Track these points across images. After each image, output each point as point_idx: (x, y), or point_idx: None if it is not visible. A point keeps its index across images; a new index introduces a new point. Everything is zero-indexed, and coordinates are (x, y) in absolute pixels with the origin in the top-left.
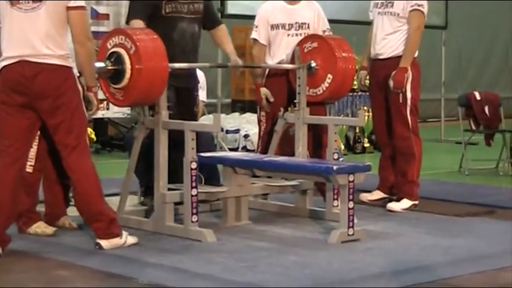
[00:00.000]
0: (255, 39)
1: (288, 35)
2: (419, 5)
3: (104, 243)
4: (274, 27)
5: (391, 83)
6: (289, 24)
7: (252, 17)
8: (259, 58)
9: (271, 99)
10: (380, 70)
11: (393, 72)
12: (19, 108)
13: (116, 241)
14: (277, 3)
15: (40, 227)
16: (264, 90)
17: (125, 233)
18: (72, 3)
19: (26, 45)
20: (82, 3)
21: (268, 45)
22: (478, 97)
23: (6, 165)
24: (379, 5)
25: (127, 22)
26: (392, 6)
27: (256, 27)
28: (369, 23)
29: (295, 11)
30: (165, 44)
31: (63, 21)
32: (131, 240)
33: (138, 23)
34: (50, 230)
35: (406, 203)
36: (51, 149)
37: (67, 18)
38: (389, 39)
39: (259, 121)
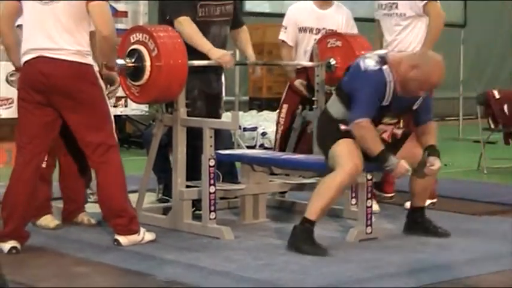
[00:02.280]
0: (283, 41)
1: (315, 39)
2: None
3: (122, 239)
4: (302, 30)
5: None
6: (316, 29)
7: (269, 15)
8: (289, 59)
9: (304, 82)
10: None
11: None
12: (38, 105)
13: (134, 238)
14: (307, 5)
15: (46, 220)
16: (298, 82)
17: (142, 230)
18: None
19: (45, 37)
20: None
21: (295, 46)
22: (497, 95)
23: (24, 163)
24: (383, 7)
25: (171, 21)
26: (397, 7)
27: (285, 28)
28: None
29: (325, 16)
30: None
31: (82, 16)
32: (149, 236)
33: (186, 20)
34: (53, 223)
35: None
36: (68, 145)
37: (88, 12)
38: (399, 39)
39: (277, 123)
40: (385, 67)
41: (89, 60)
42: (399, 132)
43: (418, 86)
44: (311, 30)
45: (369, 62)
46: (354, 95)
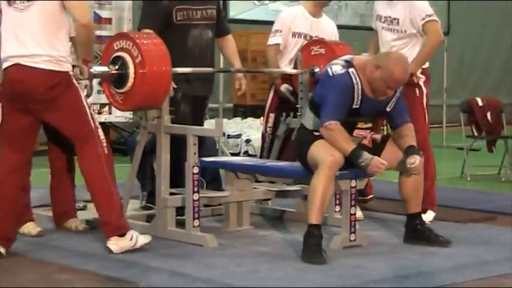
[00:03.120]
0: (276, 44)
1: None
2: (429, 16)
3: (113, 247)
4: (296, 35)
5: None
6: (310, 36)
7: (254, 22)
8: (276, 62)
9: (290, 88)
10: None
11: None
12: (18, 112)
13: (125, 243)
14: (300, 12)
15: (28, 227)
16: (284, 88)
17: (135, 234)
18: None
19: (20, 44)
20: None
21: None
22: (480, 103)
23: (8, 168)
24: (382, 20)
25: (138, 29)
26: (398, 23)
27: (280, 32)
28: (370, 28)
29: (317, 24)
30: (180, 51)
31: (57, 21)
32: (142, 240)
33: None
34: (35, 230)
35: (430, 214)
36: (58, 147)
37: (64, 9)
38: None
39: (264, 132)
40: (351, 70)
41: (64, 66)
42: (378, 136)
43: (384, 84)
44: (305, 36)
45: (336, 67)
46: (323, 101)
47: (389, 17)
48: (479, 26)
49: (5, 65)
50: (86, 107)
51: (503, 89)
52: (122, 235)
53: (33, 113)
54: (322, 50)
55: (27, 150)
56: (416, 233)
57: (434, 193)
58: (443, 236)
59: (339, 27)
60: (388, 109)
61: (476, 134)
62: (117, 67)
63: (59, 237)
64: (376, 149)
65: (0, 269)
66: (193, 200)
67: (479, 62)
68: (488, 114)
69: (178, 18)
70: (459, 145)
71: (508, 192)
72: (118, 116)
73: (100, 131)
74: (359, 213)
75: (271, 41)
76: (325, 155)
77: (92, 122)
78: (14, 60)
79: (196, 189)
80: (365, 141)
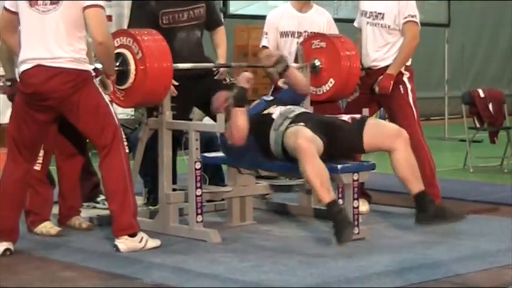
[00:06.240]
0: (264, 47)
1: (297, 42)
2: (412, 16)
3: (121, 246)
4: (283, 34)
5: (376, 89)
6: (298, 32)
7: (254, 17)
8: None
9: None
10: (374, 78)
11: (379, 78)
12: (36, 113)
13: (134, 244)
14: (286, 10)
15: (46, 227)
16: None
17: (145, 237)
18: (87, 3)
19: (42, 46)
20: (98, 2)
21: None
22: (481, 94)
23: (15, 166)
24: (367, 15)
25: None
26: (382, 18)
27: (266, 34)
28: None
29: (305, 19)
30: None
31: (79, 23)
32: (152, 243)
33: None
34: (54, 230)
35: None
36: (66, 148)
37: (84, 18)
38: (383, 51)
39: None
40: None
41: (86, 66)
42: (358, 116)
43: None
44: (292, 34)
45: None
46: None
47: (375, 11)
48: (479, 17)
49: (24, 67)
50: (109, 106)
51: (504, 79)
52: (132, 235)
53: (52, 116)
54: (323, 44)
55: (34, 159)
56: (427, 212)
57: (437, 185)
58: (454, 211)
59: (340, 20)
60: None
61: (478, 125)
62: (117, 64)
63: (62, 235)
64: (356, 127)
65: (4, 267)
66: (196, 196)
67: (480, 53)
68: (490, 106)
69: (164, 22)
70: (461, 137)
71: (511, 183)
72: (120, 113)
73: (121, 131)
74: (364, 207)
75: (261, 43)
76: (293, 143)
77: (115, 123)
78: (34, 62)
79: (198, 184)
80: (344, 118)
